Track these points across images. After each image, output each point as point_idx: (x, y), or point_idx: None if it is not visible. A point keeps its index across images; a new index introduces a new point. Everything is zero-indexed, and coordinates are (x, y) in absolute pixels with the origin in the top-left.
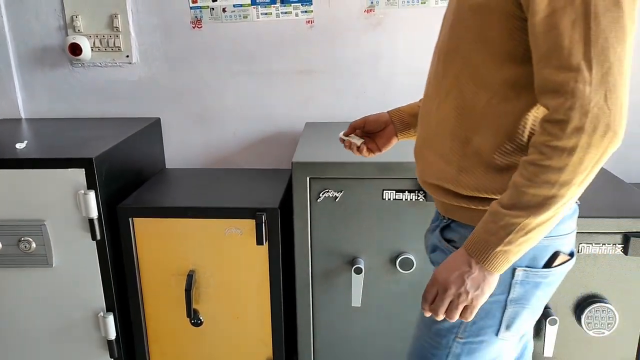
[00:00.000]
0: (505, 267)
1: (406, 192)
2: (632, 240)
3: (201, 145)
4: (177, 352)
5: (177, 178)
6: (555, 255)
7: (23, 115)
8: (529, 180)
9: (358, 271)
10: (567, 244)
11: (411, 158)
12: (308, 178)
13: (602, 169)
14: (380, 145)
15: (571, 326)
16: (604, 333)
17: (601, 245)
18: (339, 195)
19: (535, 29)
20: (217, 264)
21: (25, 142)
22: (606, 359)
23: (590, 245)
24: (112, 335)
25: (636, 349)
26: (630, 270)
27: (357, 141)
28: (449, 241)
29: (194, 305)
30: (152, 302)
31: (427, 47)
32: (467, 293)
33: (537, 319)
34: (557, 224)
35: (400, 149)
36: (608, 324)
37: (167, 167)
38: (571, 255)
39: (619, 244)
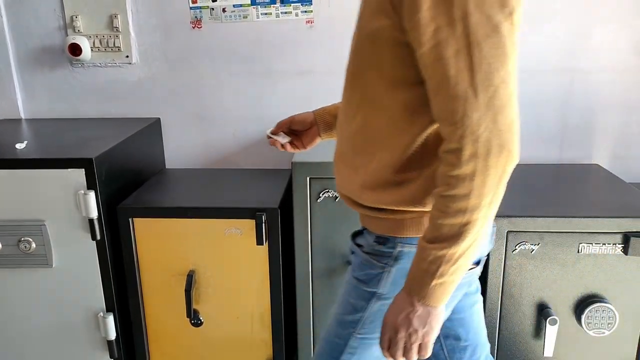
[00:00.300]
0: (446, 297)
1: None
2: (632, 240)
3: (201, 145)
4: (177, 352)
5: (177, 178)
6: None
7: (23, 116)
8: (442, 212)
9: None
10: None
11: None
12: (308, 178)
13: (602, 169)
14: (305, 143)
15: (571, 326)
16: (604, 333)
17: (601, 245)
18: (338, 195)
19: (424, 60)
20: (217, 264)
21: (25, 142)
22: (606, 359)
23: (591, 245)
24: (112, 335)
25: (636, 348)
26: (630, 270)
27: (282, 139)
28: (358, 246)
29: (194, 306)
30: (152, 302)
31: None
32: (417, 332)
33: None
34: None
35: None
36: (608, 323)
37: (167, 167)
38: (477, 263)
39: (619, 244)
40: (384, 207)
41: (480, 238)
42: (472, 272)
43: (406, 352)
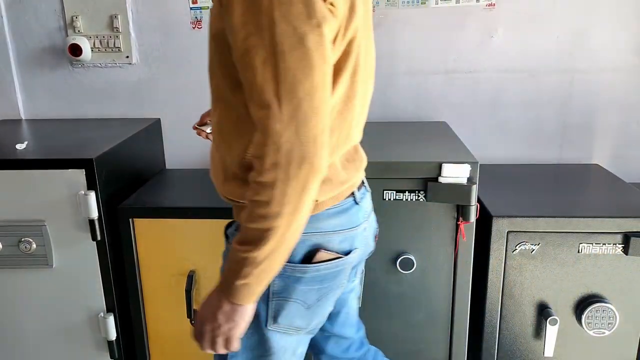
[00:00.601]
0: (252, 297)
1: (406, 192)
2: (633, 240)
3: (201, 145)
4: (177, 352)
5: (177, 178)
6: (314, 251)
7: (23, 116)
8: (249, 215)
9: None
10: (334, 241)
11: (411, 158)
12: None
13: (602, 169)
14: None
15: (571, 326)
16: (604, 333)
17: (601, 245)
18: None
19: (238, 66)
20: (218, 264)
21: (26, 142)
22: (606, 359)
23: (591, 245)
24: (113, 335)
25: (637, 348)
26: (630, 270)
27: (208, 129)
28: (227, 237)
29: (195, 306)
30: (153, 303)
31: (427, 47)
32: (221, 327)
33: (322, 315)
34: (316, 221)
35: (400, 150)
36: (608, 323)
37: (167, 167)
38: (347, 253)
39: (619, 244)
40: (236, 199)
41: (289, 243)
42: (340, 261)
43: (213, 344)
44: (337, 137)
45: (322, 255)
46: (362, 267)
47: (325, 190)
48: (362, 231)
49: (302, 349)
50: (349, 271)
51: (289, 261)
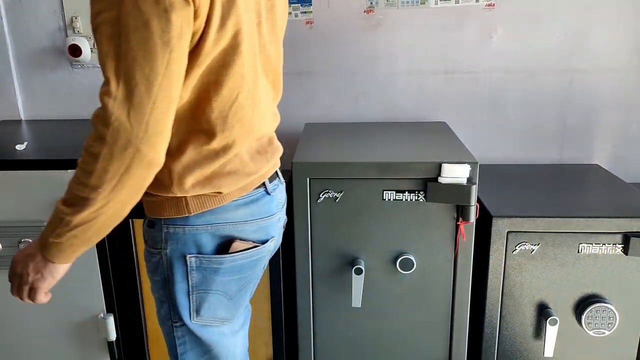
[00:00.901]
0: (63, 257)
1: (406, 192)
2: (632, 240)
3: None
4: None
5: None
6: (229, 242)
7: (23, 117)
8: (74, 178)
9: (358, 272)
10: (248, 231)
11: (411, 158)
12: (308, 179)
13: (602, 169)
14: None
15: (571, 326)
16: (604, 333)
17: (601, 245)
18: (339, 195)
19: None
20: None
21: (25, 143)
22: (606, 359)
23: (591, 245)
24: (112, 336)
25: (637, 349)
26: (630, 270)
27: None
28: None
29: None
30: (152, 303)
31: (427, 47)
32: (28, 275)
33: (241, 305)
34: (224, 212)
35: (400, 150)
36: (608, 324)
37: None
38: (263, 242)
39: (619, 244)
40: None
41: (107, 221)
42: (256, 250)
43: (20, 291)
44: (236, 131)
45: (237, 245)
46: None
47: (230, 182)
48: (276, 221)
49: (242, 333)
50: (267, 260)
51: (204, 253)
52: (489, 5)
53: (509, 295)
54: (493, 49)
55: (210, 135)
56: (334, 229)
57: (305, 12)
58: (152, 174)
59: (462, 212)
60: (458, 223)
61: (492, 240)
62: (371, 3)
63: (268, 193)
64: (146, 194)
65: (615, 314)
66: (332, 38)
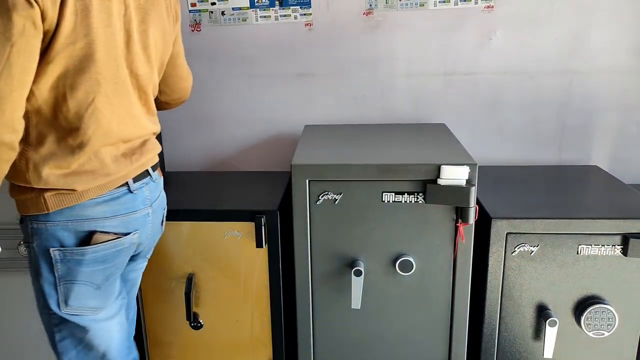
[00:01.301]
0: None
1: (405, 194)
2: (632, 241)
3: (200, 148)
4: (177, 355)
5: (177, 181)
6: (91, 235)
7: None
8: None
9: (358, 273)
10: (109, 226)
11: (410, 160)
12: (307, 180)
13: (601, 170)
14: None
15: (571, 327)
16: (603, 334)
17: (600, 246)
18: (338, 197)
19: None
20: (217, 266)
21: None
22: None
23: (590, 246)
24: None
25: (636, 350)
26: (629, 271)
27: None
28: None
29: (194, 309)
30: (152, 306)
31: (426, 49)
32: None
33: (111, 293)
34: (82, 209)
35: (399, 152)
36: (608, 325)
37: (166, 170)
38: (126, 234)
39: (618, 245)
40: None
41: None
42: (116, 242)
43: None
44: (92, 130)
45: (98, 237)
46: (150, 253)
47: (85, 180)
48: (142, 216)
49: (118, 319)
50: (131, 251)
51: (65, 246)
52: (488, 7)
53: (509, 296)
54: (492, 50)
55: (67, 131)
56: (333, 231)
57: (304, 14)
58: None
59: (461, 213)
60: (457, 224)
61: (491, 242)
62: (370, 5)
63: (131, 191)
64: (14, 192)
65: (614, 315)
66: (331, 40)
